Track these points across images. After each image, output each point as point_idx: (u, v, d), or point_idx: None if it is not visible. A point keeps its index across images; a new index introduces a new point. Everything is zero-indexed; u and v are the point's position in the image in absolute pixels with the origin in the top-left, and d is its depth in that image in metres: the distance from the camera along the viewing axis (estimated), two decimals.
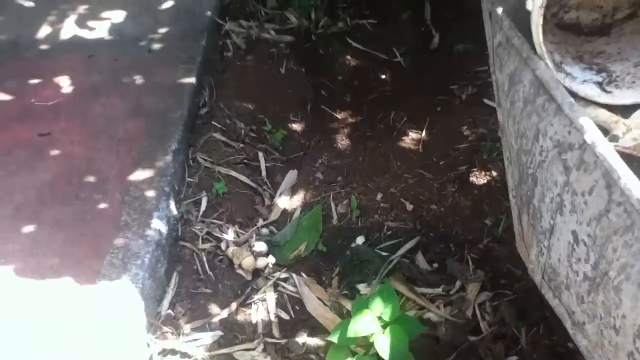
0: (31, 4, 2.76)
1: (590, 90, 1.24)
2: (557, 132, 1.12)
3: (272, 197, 2.08)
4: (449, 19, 3.07)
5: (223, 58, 2.66)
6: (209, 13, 2.73)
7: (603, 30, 1.45)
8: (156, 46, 2.51)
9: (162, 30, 2.61)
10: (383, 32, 2.94)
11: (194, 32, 2.61)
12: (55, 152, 1.97)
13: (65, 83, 2.29)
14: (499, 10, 1.37)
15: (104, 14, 2.69)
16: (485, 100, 2.44)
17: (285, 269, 1.82)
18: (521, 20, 1.46)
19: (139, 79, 2.32)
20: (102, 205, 1.78)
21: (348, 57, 2.75)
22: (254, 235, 1.86)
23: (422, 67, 2.72)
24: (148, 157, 1.96)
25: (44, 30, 2.59)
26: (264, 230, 1.93)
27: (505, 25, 1.33)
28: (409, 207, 1.99)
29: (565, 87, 1.16)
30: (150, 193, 1.82)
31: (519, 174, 1.35)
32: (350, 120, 2.42)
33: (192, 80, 2.32)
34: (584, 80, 1.27)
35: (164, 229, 1.75)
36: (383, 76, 2.66)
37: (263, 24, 2.91)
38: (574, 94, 1.20)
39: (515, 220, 1.44)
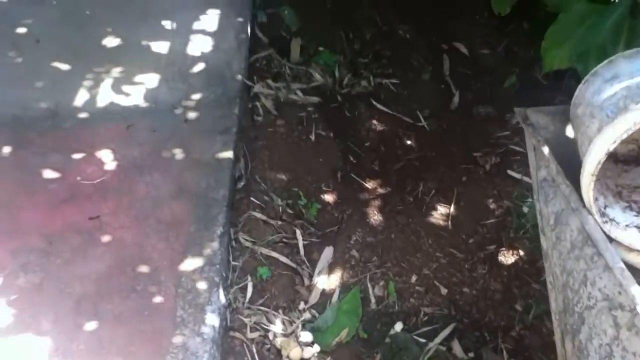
0: (67, 67, 2.82)
1: (633, 239, 1.33)
2: (606, 286, 1.22)
3: (310, 277, 2.17)
4: (467, 74, 3.16)
5: (254, 123, 2.74)
6: (239, 77, 2.80)
7: (639, 159, 1.55)
8: (191, 115, 2.59)
9: (196, 97, 2.68)
10: (405, 92, 3.03)
11: (226, 99, 2.68)
12: (106, 237, 2.05)
13: (107, 157, 2.37)
14: (545, 150, 1.46)
15: (138, 78, 2.76)
16: (509, 172, 2.53)
17: (329, 358, 1.92)
18: (561, 145, 1.56)
19: (178, 154, 2.40)
20: (158, 299, 1.86)
21: (374, 121, 2.83)
22: (300, 325, 1.96)
23: (445, 131, 2.82)
24: (196, 242, 2.05)
25: (82, 97, 2.65)
26: (306, 315, 2.03)
27: (553, 169, 1.42)
28: (443, 290, 2.09)
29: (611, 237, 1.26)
30: (202, 285, 1.91)
31: (564, 304, 1.45)
32: (379, 190, 2.51)
33: (229, 154, 2.40)
34: (627, 225, 1.37)
35: (216, 322, 1.84)
36: (408, 142, 2.75)
37: (290, 83, 2.99)
38: None
39: (557, 341, 1.54)
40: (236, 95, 2.71)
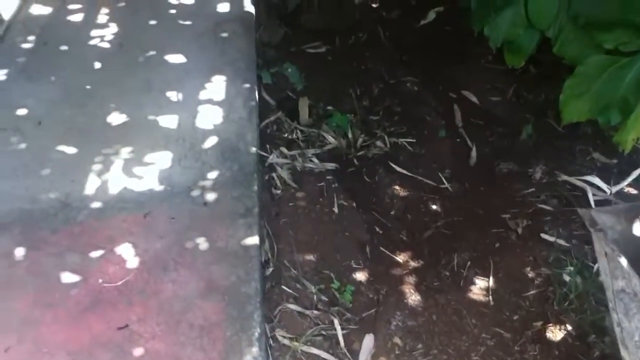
0: (73, 150, 2.67)
1: None
2: None
3: None
4: (480, 125, 3.07)
5: (273, 197, 2.62)
6: (253, 149, 2.67)
7: None
8: (210, 197, 2.45)
9: (212, 175, 2.55)
10: (423, 151, 2.92)
11: (243, 175, 2.55)
12: (139, 350, 1.90)
13: (128, 253, 2.22)
14: (624, 262, 1.35)
15: (149, 158, 2.62)
16: (543, 236, 2.43)
17: None
18: (630, 243, 1.45)
19: (202, 243, 2.26)
20: None
21: (395, 186, 2.72)
22: None
23: (468, 192, 2.71)
24: (234, 349, 1.90)
25: (92, 184, 2.50)
26: None
27: (636, 284, 1.31)
28: None
29: None
30: None
31: None
32: (412, 264, 2.39)
33: (255, 240, 2.27)
34: None
35: None
36: (434, 206, 2.64)
37: (304, 150, 2.87)
38: None
39: None
40: (253, 170, 2.58)
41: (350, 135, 2.98)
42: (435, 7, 4.21)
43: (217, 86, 3.01)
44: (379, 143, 2.92)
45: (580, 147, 2.88)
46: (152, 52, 3.25)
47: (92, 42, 3.36)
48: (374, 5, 4.36)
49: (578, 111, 2.62)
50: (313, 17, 4.05)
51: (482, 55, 3.63)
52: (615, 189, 2.61)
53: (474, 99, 3.29)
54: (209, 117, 2.83)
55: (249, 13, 3.59)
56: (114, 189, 2.48)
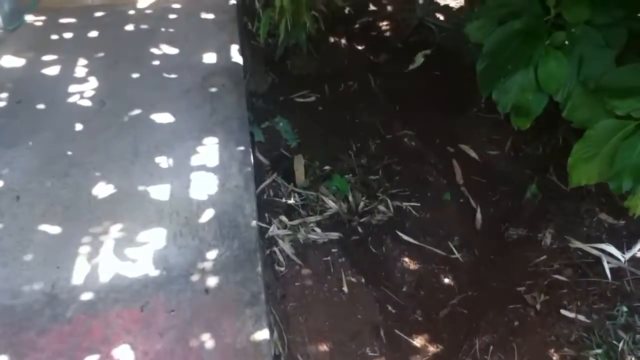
0: (57, 229, 2.42)
1: None
2: None
3: None
4: (482, 184, 2.94)
5: (277, 276, 2.42)
6: (254, 223, 2.47)
7: None
8: (211, 282, 2.24)
9: (211, 256, 2.33)
10: (428, 215, 2.77)
11: (245, 253, 2.35)
12: None
13: (126, 357, 1.98)
14: None
15: (142, 237, 2.39)
16: (563, 312, 2.30)
17: None
18: None
19: (207, 340, 2.04)
20: None
21: (405, 258, 2.55)
22: None
23: (480, 262, 2.56)
24: None
25: (81, 270, 2.26)
26: None
27: None
28: None
29: None
30: None
31: None
32: (431, 349, 2.22)
33: (265, 334, 2.06)
34: None
35: None
36: (446, 280, 2.48)
37: (305, 218, 2.68)
38: None
39: None
40: (255, 247, 2.38)
41: (351, 199, 2.80)
42: (422, 50, 4.10)
43: (209, 150, 2.79)
44: (382, 207, 2.76)
45: (587, 208, 2.77)
46: (137, 111, 3.02)
47: (71, 100, 3.11)
48: (360, 48, 4.22)
49: (587, 175, 2.50)
50: (300, 63, 3.88)
51: (474, 103, 3.52)
52: (628, 255, 2.50)
53: (472, 153, 3.16)
54: (203, 185, 2.62)
55: (236, 64, 3.38)
56: (105, 276, 2.24)
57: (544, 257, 2.54)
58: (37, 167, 2.69)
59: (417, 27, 4.38)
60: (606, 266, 2.46)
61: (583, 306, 2.33)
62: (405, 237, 2.61)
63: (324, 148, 3.15)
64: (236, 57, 3.46)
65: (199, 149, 2.81)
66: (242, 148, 2.83)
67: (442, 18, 4.58)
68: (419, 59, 4.10)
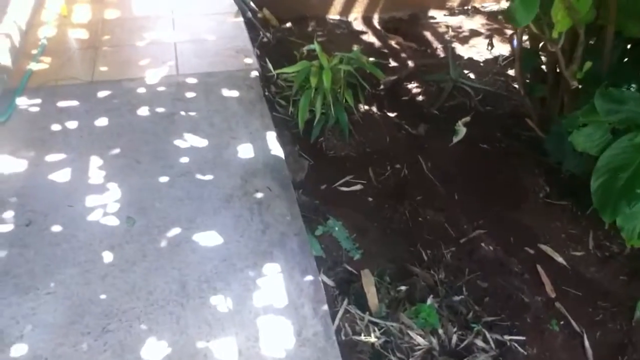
0: None
1: None
2: None
3: None
4: (579, 298, 2.56)
5: None
6: None
7: None
8: None
9: None
10: (535, 351, 2.35)
11: None
12: None
13: None
14: None
15: None
16: None
17: None
18: None
19: None
20: None
21: None
22: None
23: None
24: None
25: None
26: None
27: None
28: None
29: None
30: None
31: None
32: None
33: None
34: None
35: None
36: None
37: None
38: None
39: None
40: None
41: (440, 331, 2.36)
42: (461, 116, 3.72)
43: (272, 282, 2.31)
44: (479, 342, 2.33)
45: None
46: (175, 230, 2.50)
47: (92, 217, 2.57)
48: (392, 117, 3.80)
49: None
50: (336, 142, 3.43)
51: (535, 184, 3.15)
52: None
53: (557, 257, 2.78)
54: (276, 336, 2.13)
55: (278, 159, 2.91)
56: None
57: None
58: (66, 321, 2.15)
59: (452, 90, 4.00)
60: None
61: None
62: None
63: (390, 257, 2.70)
64: (275, 148, 2.98)
65: (259, 282, 2.32)
66: (310, 278, 2.35)
67: (472, 76, 4.23)
68: (461, 130, 3.71)
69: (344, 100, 3.28)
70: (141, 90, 3.38)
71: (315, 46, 3.12)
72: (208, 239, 2.48)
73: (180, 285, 2.28)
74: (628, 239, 2.16)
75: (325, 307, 2.26)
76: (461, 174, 3.28)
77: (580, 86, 2.36)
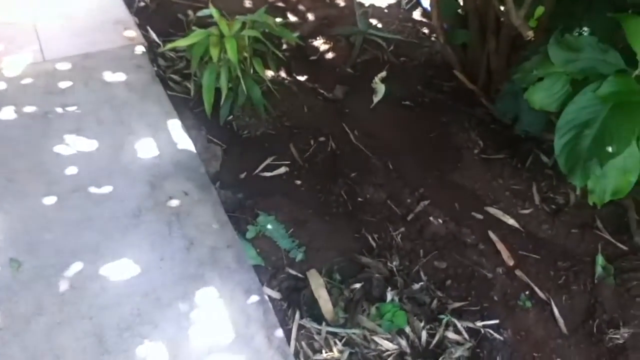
0: None
1: None
2: None
3: None
4: (537, 262, 2.39)
5: None
6: None
7: None
8: None
9: None
10: (510, 333, 2.14)
11: None
12: None
13: None
14: None
15: None
16: None
17: None
18: None
19: None
20: None
21: None
22: None
23: None
24: None
25: None
26: None
27: None
28: None
29: None
30: None
31: None
32: None
33: None
34: None
35: None
36: None
37: None
38: None
39: None
40: None
41: (408, 330, 2.09)
42: (376, 72, 3.40)
43: (210, 314, 1.90)
44: (451, 335, 2.08)
45: None
46: (76, 266, 1.99)
47: None
48: (304, 80, 3.38)
49: None
50: (248, 120, 2.97)
51: (468, 140, 2.92)
52: None
53: (507, 218, 2.57)
54: None
55: (189, 153, 2.43)
56: None
57: None
58: None
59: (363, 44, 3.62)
60: None
61: None
62: None
63: (336, 249, 2.36)
64: (183, 139, 2.49)
65: (194, 316, 1.89)
66: (255, 298, 1.96)
67: (380, 25, 3.87)
68: (380, 87, 3.38)
69: (252, 71, 2.79)
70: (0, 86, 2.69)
71: (212, 11, 2.59)
72: (120, 270, 1.98)
73: (95, 339, 1.80)
74: (599, 201, 1.94)
75: (280, 332, 1.89)
76: (391, 139, 2.97)
77: (532, 35, 2.06)
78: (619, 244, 2.45)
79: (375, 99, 3.28)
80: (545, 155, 2.80)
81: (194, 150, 2.44)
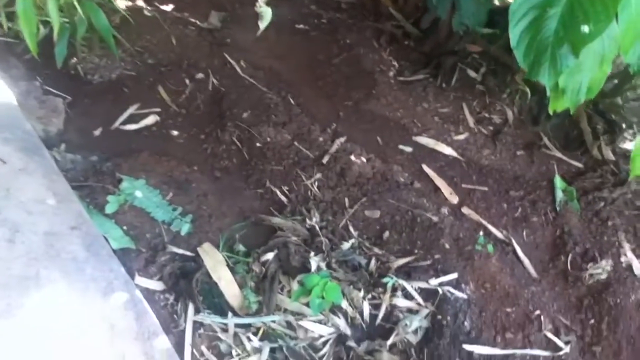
0: None
1: None
2: None
3: None
4: (485, 196, 1.95)
5: None
6: None
7: None
8: None
9: None
10: (472, 287, 1.66)
11: None
12: None
13: None
14: None
15: None
16: None
17: None
18: None
19: None
20: None
21: None
22: None
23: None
24: None
25: None
26: None
27: None
28: None
29: None
30: None
31: None
32: None
33: None
34: None
35: None
36: None
37: None
38: None
39: None
40: None
41: (345, 305, 1.54)
42: None
43: (49, 333, 1.22)
44: (401, 302, 1.56)
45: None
46: None
47: None
48: (177, 15, 2.68)
49: None
50: (102, 62, 2.25)
51: (380, 61, 2.41)
52: None
53: (441, 147, 2.09)
54: None
55: (8, 106, 1.68)
56: None
57: None
58: None
59: None
60: None
61: None
62: (480, 350, 1.47)
63: (234, 212, 1.75)
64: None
65: (23, 338, 1.20)
66: (123, 297, 1.31)
67: None
68: (266, 11, 2.73)
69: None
70: None
71: None
72: None
73: None
74: (572, 104, 1.47)
75: (164, 340, 1.25)
76: (287, 69, 2.37)
77: None
78: (573, 162, 2.05)
79: (262, 25, 2.60)
80: (473, 70, 2.33)
81: (15, 103, 1.68)
